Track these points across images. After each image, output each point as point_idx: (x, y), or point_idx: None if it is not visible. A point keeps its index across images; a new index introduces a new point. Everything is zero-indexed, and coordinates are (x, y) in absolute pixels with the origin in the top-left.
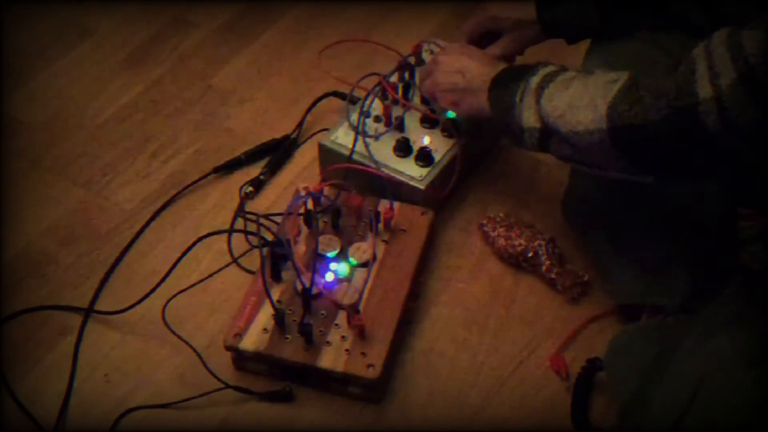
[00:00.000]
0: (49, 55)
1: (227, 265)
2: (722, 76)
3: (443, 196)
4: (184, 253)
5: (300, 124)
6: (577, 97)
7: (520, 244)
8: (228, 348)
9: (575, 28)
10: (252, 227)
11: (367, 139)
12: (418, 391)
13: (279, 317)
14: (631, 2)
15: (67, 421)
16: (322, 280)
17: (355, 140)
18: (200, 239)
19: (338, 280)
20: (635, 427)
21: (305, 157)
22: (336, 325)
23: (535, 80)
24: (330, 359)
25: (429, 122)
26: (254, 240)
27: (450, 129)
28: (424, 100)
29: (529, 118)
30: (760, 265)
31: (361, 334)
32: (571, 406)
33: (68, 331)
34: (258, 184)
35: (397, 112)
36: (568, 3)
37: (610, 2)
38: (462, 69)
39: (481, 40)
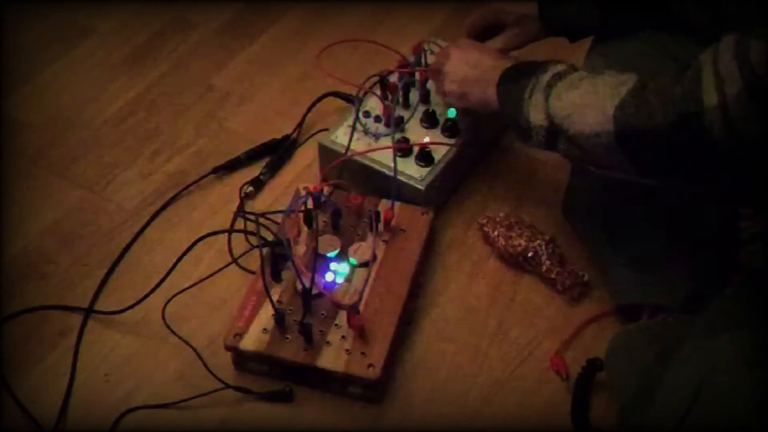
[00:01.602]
0: (49, 55)
1: (227, 265)
2: (728, 85)
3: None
4: (184, 254)
5: (300, 124)
6: (585, 98)
7: (520, 244)
8: (228, 348)
9: (576, 27)
10: (252, 227)
11: (368, 139)
12: (418, 391)
13: (279, 317)
14: (632, 2)
15: (67, 421)
16: (323, 280)
17: (351, 136)
18: (200, 239)
19: (338, 280)
20: (635, 428)
21: (305, 157)
22: (336, 325)
23: (545, 78)
24: (330, 359)
25: (429, 122)
26: (254, 240)
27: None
28: (425, 100)
29: (537, 115)
30: (760, 265)
31: (361, 334)
32: (571, 406)
33: (68, 331)
34: (258, 184)
35: (397, 112)
36: (570, 1)
37: (612, 2)
38: (473, 61)
39: (483, 33)
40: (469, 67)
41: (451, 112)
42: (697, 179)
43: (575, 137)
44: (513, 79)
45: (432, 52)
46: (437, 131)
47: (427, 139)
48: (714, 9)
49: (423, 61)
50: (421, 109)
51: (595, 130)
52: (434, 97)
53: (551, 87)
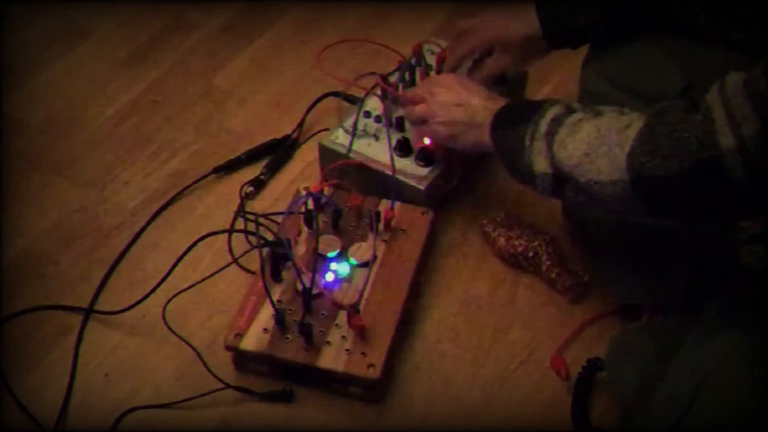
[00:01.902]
0: (49, 55)
1: (227, 265)
2: (745, 126)
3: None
4: (184, 254)
5: (300, 124)
6: (592, 145)
7: (520, 245)
8: (228, 348)
9: (580, 35)
10: (252, 227)
11: (368, 139)
12: (419, 391)
13: (279, 317)
14: (637, 5)
15: (67, 421)
16: (323, 280)
17: (352, 138)
18: (200, 239)
19: (338, 280)
20: (636, 427)
21: (305, 157)
22: (336, 325)
23: (542, 123)
24: (330, 359)
25: None
26: (254, 240)
27: (426, 158)
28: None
29: (540, 163)
30: (760, 265)
31: (362, 334)
32: (571, 406)
33: (68, 331)
34: (258, 184)
35: (397, 112)
36: (574, 12)
37: (615, 5)
38: (461, 101)
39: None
40: (456, 108)
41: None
42: (719, 221)
43: (586, 186)
44: (508, 125)
45: (432, 52)
46: None
47: (427, 140)
48: (720, 11)
49: (423, 61)
50: None
51: (609, 179)
52: None
53: (552, 135)
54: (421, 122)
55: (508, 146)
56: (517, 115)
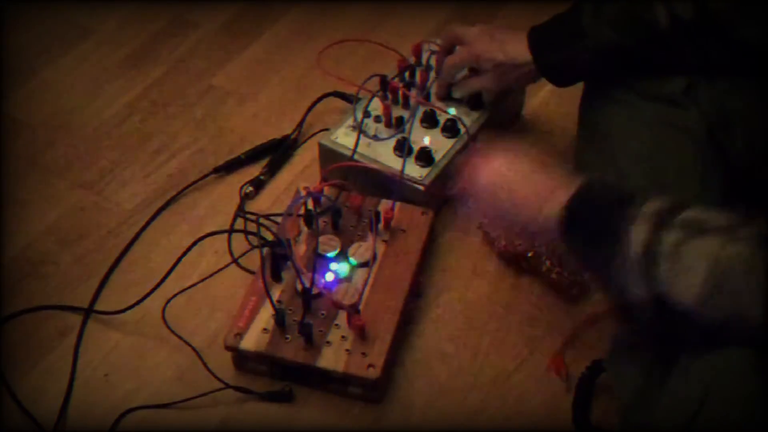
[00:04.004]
0: (49, 55)
1: (227, 265)
2: None
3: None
4: (184, 254)
5: (300, 124)
6: (710, 286)
7: (520, 245)
8: (228, 348)
9: (571, 75)
10: (252, 227)
11: (367, 139)
12: (418, 391)
13: (279, 317)
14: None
15: (67, 421)
16: (323, 280)
17: (358, 139)
18: (200, 239)
19: (338, 280)
20: (637, 428)
21: (305, 157)
22: (336, 325)
23: (632, 250)
24: (330, 359)
25: (429, 122)
26: (254, 240)
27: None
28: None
29: (638, 292)
30: None
31: (362, 334)
32: (572, 408)
33: (68, 331)
34: (258, 184)
35: (397, 112)
36: (567, 49)
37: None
38: (509, 187)
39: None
40: (508, 203)
41: (452, 109)
42: None
43: (704, 323)
44: (583, 236)
45: (432, 52)
46: (437, 131)
47: (427, 139)
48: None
49: (425, 61)
50: (422, 109)
51: (738, 325)
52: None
53: (649, 267)
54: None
55: (589, 260)
56: (593, 224)
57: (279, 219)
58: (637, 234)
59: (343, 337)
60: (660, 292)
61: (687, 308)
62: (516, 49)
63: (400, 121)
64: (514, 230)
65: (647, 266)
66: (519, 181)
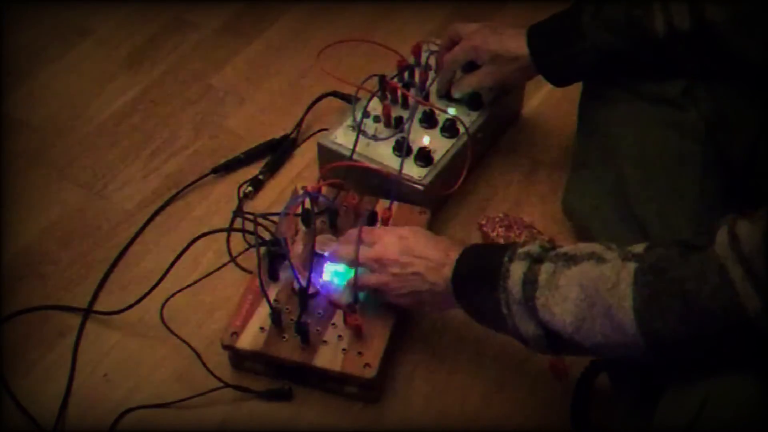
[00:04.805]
0: (49, 55)
1: (225, 264)
2: None
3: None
4: (182, 252)
5: (299, 124)
6: (582, 309)
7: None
8: (225, 347)
9: (569, 74)
10: (251, 227)
11: (367, 139)
12: (418, 391)
13: (276, 316)
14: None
15: (67, 421)
16: (320, 280)
17: (357, 139)
18: (197, 238)
19: (335, 279)
20: (637, 428)
21: (304, 157)
22: (333, 324)
23: (513, 288)
24: (326, 358)
25: (428, 122)
26: (252, 239)
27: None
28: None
29: (528, 327)
30: None
31: (358, 333)
32: (570, 407)
33: (67, 331)
34: (257, 184)
35: (396, 112)
36: (566, 48)
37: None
38: (416, 270)
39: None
40: (413, 278)
41: (452, 110)
42: (733, 362)
43: (592, 348)
44: (472, 294)
45: (432, 52)
46: (436, 131)
47: (427, 139)
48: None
49: (425, 61)
50: (421, 109)
51: (620, 341)
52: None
53: (530, 300)
54: (375, 292)
55: (483, 313)
56: (477, 280)
57: (277, 218)
58: (515, 270)
59: (339, 336)
60: (546, 325)
61: (570, 336)
62: (514, 42)
63: (400, 121)
64: (428, 307)
65: (527, 300)
66: (416, 268)
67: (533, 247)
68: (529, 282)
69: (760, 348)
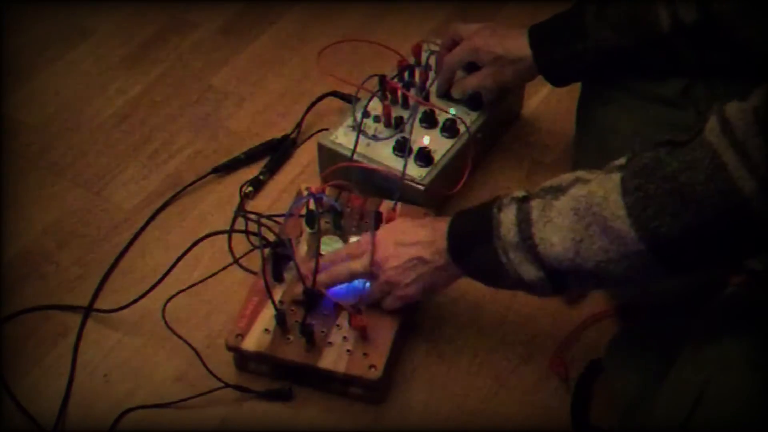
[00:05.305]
0: (49, 55)
1: (228, 266)
2: (764, 166)
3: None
4: (184, 254)
5: (299, 124)
6: (579, 231)
7: None
8: (230, 348)
9: (571, 73)
10: (252, 227)
11: (367, 139)
12: (419, 391)
13: (281, 318)
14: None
15: (67, 420)
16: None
17: (357, 139)
18: (201, 239)
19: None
20: (636, 428)
21: (305, 157)
22: (338, 325)
23: (507, 233)
24: (331, 360)
25: (428, 122)
26: (256, 240)
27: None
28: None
29: (529, 271)
30: (761, 265)
31: (363, 334)
32: (570, 408)
33: (68, 331)
34: (257, 184)
35: (396, 112)
36: (567, 48)
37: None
38: (412, 256)
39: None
40: (413, 265)
41: (453, 110)
42: (739, 260)
43: (596, 270)
44: (469, 253)
45: (432, 52)
46: (437, 131)
47: (427, 139)
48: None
49: (425, 61)
50: (421, 109)
51: (622, 254)
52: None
53: (527, 239)
54: (384, 295)
55: (485, 271)
56: (471, 238)
57: (280, 219)
58: (506, 216)
59: (344, 337)
60: (545, 262)
61: (572, 261)
62: (515, 43)
63: (400, 121)
64: (435, 288)
65: (525, 239)
66: (412, 253)
67: (517, 192)
68: (523, 221)
69: (758, 234)
